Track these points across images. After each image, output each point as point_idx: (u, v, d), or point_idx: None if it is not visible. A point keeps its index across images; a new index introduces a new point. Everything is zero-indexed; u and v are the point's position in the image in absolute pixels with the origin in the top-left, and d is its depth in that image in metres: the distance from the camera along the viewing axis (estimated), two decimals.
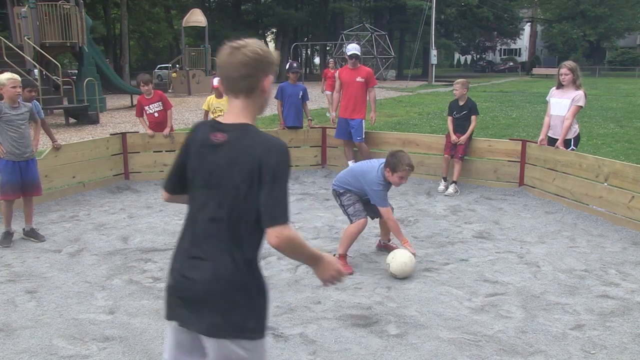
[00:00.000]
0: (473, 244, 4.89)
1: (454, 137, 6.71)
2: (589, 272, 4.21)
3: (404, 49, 47.98)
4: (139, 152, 7.29)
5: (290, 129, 7.74)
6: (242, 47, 1.71)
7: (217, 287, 1.71)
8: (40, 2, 14.95)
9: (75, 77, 17.00)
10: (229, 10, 41.21)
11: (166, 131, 7.11)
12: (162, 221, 5.53)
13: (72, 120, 14.17)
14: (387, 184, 4.19)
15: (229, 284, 1.71)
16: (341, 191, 4.34)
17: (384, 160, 4.20)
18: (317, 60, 55.68)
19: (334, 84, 7.73)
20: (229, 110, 1.80)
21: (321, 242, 4.95)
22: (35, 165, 5.04)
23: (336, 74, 7.73)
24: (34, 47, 14.66)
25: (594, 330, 3.31)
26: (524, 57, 60.22)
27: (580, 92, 5.74)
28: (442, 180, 6.83)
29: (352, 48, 7.31)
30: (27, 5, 14.82)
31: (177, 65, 26.34)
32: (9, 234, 4.86)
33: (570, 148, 5.96)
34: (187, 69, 23.63)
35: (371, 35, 35.25)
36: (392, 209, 4.42)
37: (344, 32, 35.93)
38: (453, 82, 7.33)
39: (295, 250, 1.72)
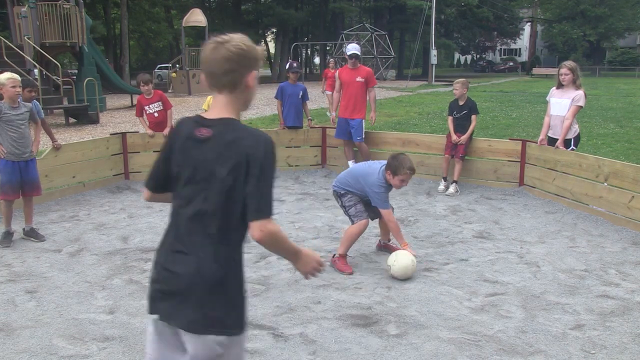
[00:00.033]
0: (473, 243, 4.89)
1: (454, 137, 6.71)
2: (589, 272, 4.21)
3: (404, 49, 47.98)
4: (139, 152, 7.29)
5: (290, 129, 7.74)
6: (225, 42, 1.71)
7: (199, 281, 1.70)
8: (40, 2, 14.95)
9: (75, 77, 17.00)
10: (229, 10, 41.20)
11: (166, 131, 7.11)
12: (162, 221, 5.53)
13: (72, 120, 14.17)
14: (388, 186, 4.19)
15: (211, 278, 1.71)
16: (342, 192, 4.34)
17: (385, 162, 4.19)
18: (317, 60, 55.68)
19: (334, 84, 7.73)
20: (212, 106, 1.80)
21: (321, 242, 4.95)
22: (35, 165, 5.04)
23: (336, 74, 7.73)
24: (34, 47, 14.66)
25: (594, 330, 3.31)
26: (524, 57, 60.23)
27: (580, 92, 5.74)
28: (442, 180, 6.83)
29: (352, 48, 7.31)
30: (27, 5, 14.82)
31: (177, 65, 26.34)
32: (9, 234, 4.86)
33: (570, 148, 5.96)
34: (187, 69, 23.62)
35: (371, 35, 35.25)
36: (393, 209, 4.42)
37: (344, 32, 35.92)
38: (453, 82, 7.34)
39: (277, 245, 1.74)
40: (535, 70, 45.79)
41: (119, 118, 15.59)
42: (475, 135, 7.05)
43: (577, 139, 6.03)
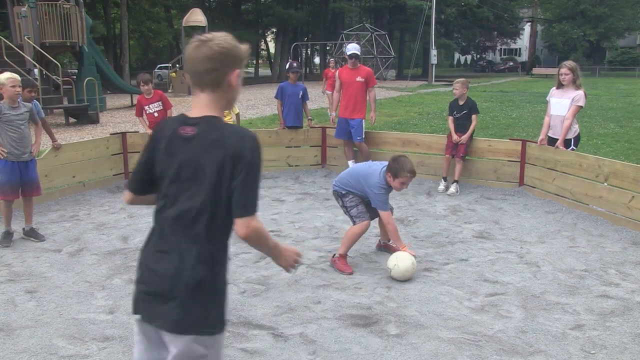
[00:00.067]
0: (473, 243, 4.89)
1: (455, 137, 6.71)
2: (589, 272, 4.21)
3: (404, 49, 47.97)
4: (139, 152, 7.27)
5: (290, 128, 7.74)
6: (208, 41, 1.70)
7: (181, 281, 1.70)
8: (40, 1, 14.95)
9: (75, 77, 17.00)
10: (229, 10, 41.18)
11: None
12: None
13: (72, 120, 14.17)
14: (389, 188, 4.18)
15: (193, 279, 1.70)
16: (343, 192, 4.33)
17: (386, 163, 4.18)
18: (317, 60, 55.67)
19: (335, 84, 7.73)
20: (195, 105, 1.79)
21: (321, 242, 4.95)
22: (35, 166, 5.03)
23: (336, 74, 7.73)
24: (34, 46, 14.66)
25: (594, 330, 3.31)
26: (524, 57, 60.22)
27: (580, 92, 5.74)
28: (442, 180, 6.83)
29: (352, 48, 7.31)
30: (27, 5, 14.82)
31: (177, 65, 26.33)
32: (8, 234, 4.86)
33: (570, 148, 5.96)
34: None
35: (371, 35, 35.24)
36: (392, 209, 4.42)
37: (344, 32, 35.92)
38: (453, 82, 7.34)
39: (261, 241, 1.76)
40: (535, 70, 45.80)
41: (119, 118, 15.60)
42: (476, 135, 7.05)
43: (577, 139, 6.03)
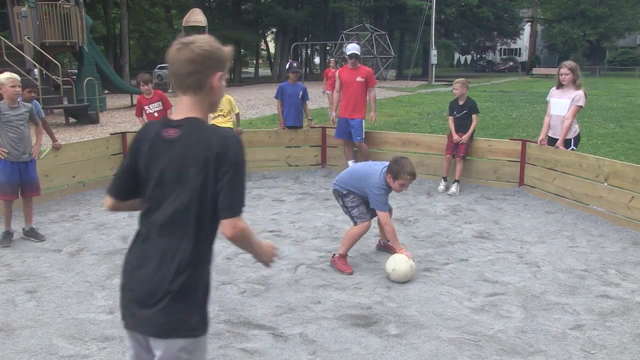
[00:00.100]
0: (473, 243, 4.89)
1: (456, 137, 6.71)
2: (589, 272, 4.21)
3: (404, 49, 47.98)
4: None
5: (290, 128, 7.74)
6: (189, 44, 1.70)
7: (164, 286, 1.69)
8: (40, 1, 14.95)
9: (75, 77, 17.00)
10: (229, 10, 41.18)
11: None
12: None
13: (72, 120, 14.17)
14: (388, 189, 4.17)
15: (176, 283, 1.70)
16: (344, 192, 4.32)
17: (386, 163, 4.17)
18: (317, 60, 55.68)
19: (335, 84, 7.73)
20: (178, 107, 1.79)
21: (321, 242, 4.95)
22: (35, 166, 5.03)
23: (336, 74, 7.73)
24: (34, 46, 14.66)
25: (594, 330, 3.31)
26: (524, 57, 60.22)
27: (580, 92, 5.74)
28: (442, 180, 6.83)
29: (352, 48, 7.31)
30: (27, 5, 14.82)
31: None
32: (8, 234, 4.86)
33: (570, 148, 5.96)
34: None
35: (371, 35, 35.25)
36: (391, 210, 4.42)
37: (344, 32, 35.93)
38: (453, 82, 7.34)
39: (246, 241, 1.79)
40: (535, 70, 45.80)
41: (119, 118, 15.60)
42: (476, 135, 7.05)
43: (577, 139, 6.03)
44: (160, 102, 7.06)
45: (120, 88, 19.46)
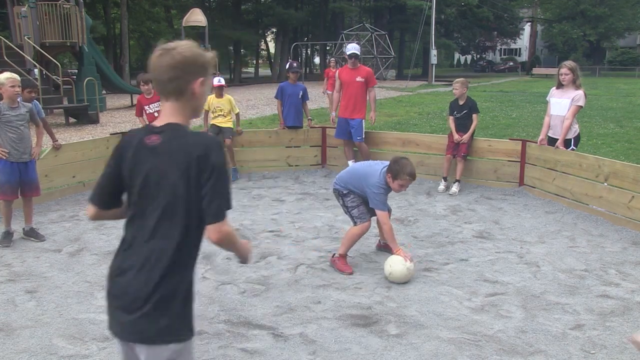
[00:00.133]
0: (473, 243, 4.89)
1: (456, 136, 6.71)
2: (589, 272, 4.21)
3: (404, 49, 47.98)
4: None
5: (290, 128, 7.74)
6: (171, 50, 1.70)
7: (149, 293, 1.69)
8: (40, 1, 14.95)
9: (75, 77, 17.00)
10: (229, 10, 41.18)
11: None
12: None
13: (72, 119, 14.17)
14: (388, 188, 4.17)
15: (161, 290, 1.70)
16: (345, 192, 4.31)
17: (386, 163, 4.17)
18: (317, 60, 55.68)
19: (335, 84, 7.73)
20: (160, 113, 1.80)
21: (321, 242, 4.95)
22: (35, 167, 5.03)
23: (336, 74, 7.73)
24: (34, 46, 14.65)
25: (594, 330, 3.32)
26: (524, 57, 60.21)
27: (580, 92, 5.74)
28: (442, 180, 6.83)
29: (352, 48, 7.31)
30: (27, 5, 14.81)
31: None
32: (8, 234, 4.86)
33: (570, 148, 5.96)
34: None
35: (371, 35, 35.25)
36: (390, 210, 4.41)
37: (344, 31, 35.93)
38: (453, 82, 7.34)
39: (231, 244, 1.81)
40: (535, 70, 45.79)
41: (119, 118, 15.59)
42: (476, 135, 7.05)
43: (577, 138, 6.03)
44: (160, 102, 7.05)
45: (120, 88, 19.45)
